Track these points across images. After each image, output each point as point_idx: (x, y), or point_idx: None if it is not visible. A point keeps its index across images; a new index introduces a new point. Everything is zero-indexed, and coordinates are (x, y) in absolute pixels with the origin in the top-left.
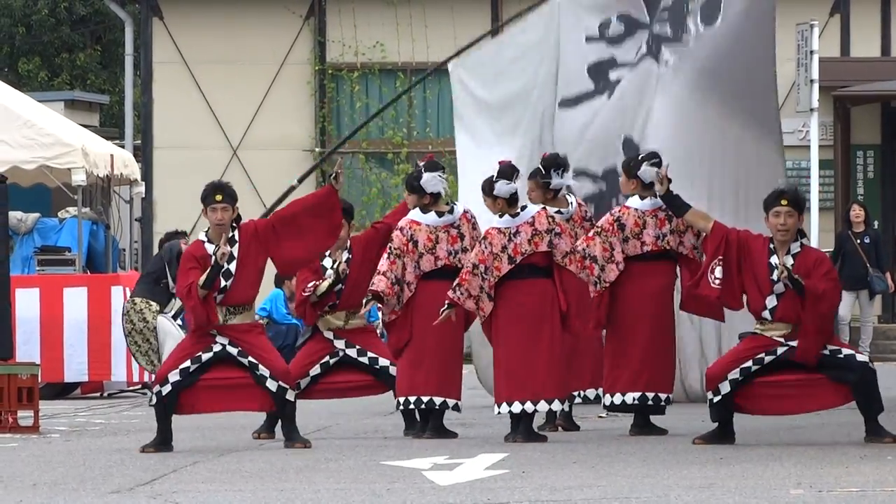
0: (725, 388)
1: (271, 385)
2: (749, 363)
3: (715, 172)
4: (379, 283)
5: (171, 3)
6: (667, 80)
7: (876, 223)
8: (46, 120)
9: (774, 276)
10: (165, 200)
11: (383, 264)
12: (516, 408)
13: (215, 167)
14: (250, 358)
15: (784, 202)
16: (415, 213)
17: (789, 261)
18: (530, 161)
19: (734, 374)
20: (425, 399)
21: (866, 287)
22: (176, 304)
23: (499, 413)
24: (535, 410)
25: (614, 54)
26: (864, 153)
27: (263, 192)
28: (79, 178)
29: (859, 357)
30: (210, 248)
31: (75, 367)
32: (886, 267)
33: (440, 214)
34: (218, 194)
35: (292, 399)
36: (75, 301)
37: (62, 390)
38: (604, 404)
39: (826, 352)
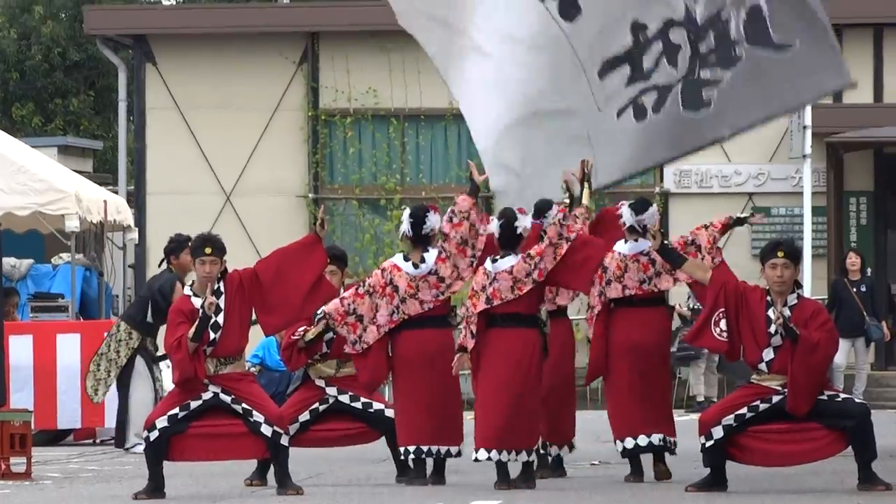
0: (718, 433)
1: (266, 430)
2: (744, 409)
3: None
4: (330, 304)
5: (164, 49)
6: None
7: (869, 270)
8: (40, 166)
9: (772, 329)
10: (159, 246)
11: (348, 294)
12: (494, 455)
13: (208, 213)
14: (244, 405)
15: (780, 254)
16: (398, 259)
17: (786, 312)
18: None
19: (728, 419)
20: (424, 448)
21: (863, 335)
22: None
23: (476, 459)
24: (513, 460)
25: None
26: (856, 200)
27: (256, 238)
28: (72, 225)
29: (857, 400)
30: (197, 301)
31: (68, 414)
32: (882, 315)
33: (415, 265)
34: (207, 247)
35: (286, 444)
36: (68, 347)
37: (55, 437)
38: (619, 450)
39: (823, 397)
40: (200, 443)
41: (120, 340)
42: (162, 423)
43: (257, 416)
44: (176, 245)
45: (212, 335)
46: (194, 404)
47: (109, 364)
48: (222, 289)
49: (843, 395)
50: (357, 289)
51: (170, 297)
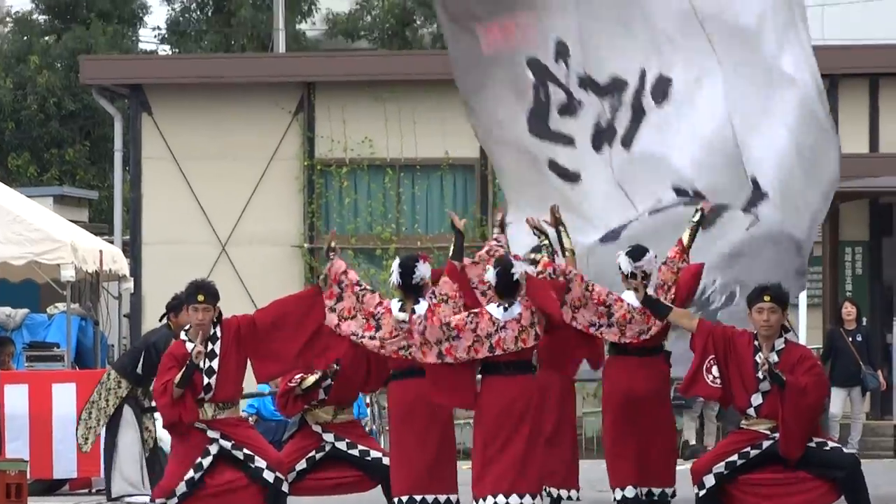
0: (710, 481)
1: (268, 476)
2: (734, 457)
3: None
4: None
5: (160, 98)
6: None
7: (864, 320)
8: (35, 215)
9: (760, 374)
10: (154, 296)
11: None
12: (501, 500)
13: (204, 263)
14: (245, 450)
15: (767, 298)
16: (394, 304)
17: (774, 357)
18: None
19: (719, 467)
20: (418, 498)
21: (859, 384)
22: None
23: None
24: None
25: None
26: (852, 249)
27: (251, 287)
28: (68, 274)
29: (847, 450)
30: (191, 346)
31: (64, 464)
32: (878, 364)
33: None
34: (200, 294)
35: (286, 491)
36: (64, 397)
37: (51, 486)
38: (614, 499)
39: (812, 444)
40: (210, 501)
41: (109, 389)
42: (181, 489)
43: (259, 463)
44: (177, 303)
45: (206, 380)
46: (206, 461)
47: (99, 413)
48: (218, 334)
49: (831, 444)
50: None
51: (162, 351)
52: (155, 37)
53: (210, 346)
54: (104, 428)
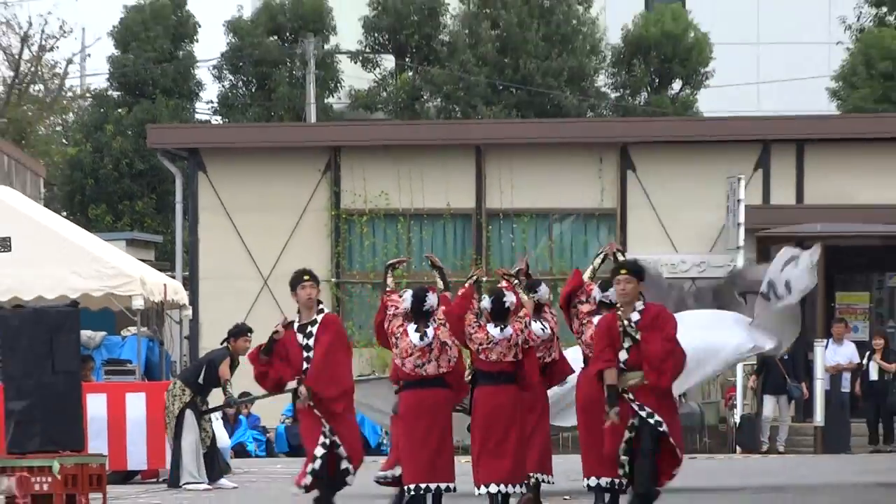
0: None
1: (343, 464)
2: (626, 434)
3: None
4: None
5: (213, 160)
6: None
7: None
8: (111, 255)
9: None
10: (208, 321)
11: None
12: (502, 489)
13: (249, 295)
14: (335, 438)
15: (623, 271)
16: (411, 329)
17: (635, 316)
18: None
19: (622, 449)
20: (423, 486)
21: (785, 393)
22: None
23: (488, 493)
24: (506, 493)
25: None
26: None
27: (289, 315)
28: (138, 304)
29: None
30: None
31: (136, 457)
32: (801, 377)
33: (421, 338)
34: (305, 275)
35: (349, 483)
36: (135, 404)
37: (125, 476)
38: (586, 485)
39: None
40: None
41: (175, 395)
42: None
43: (340, 451)
44: (238, 331)
45: (305, 359)
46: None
47: (169, 416)
48: (318, 319)
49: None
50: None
51: (218, 367)
52: (209, 109)
53: (308, 329)
54: (172, 427)
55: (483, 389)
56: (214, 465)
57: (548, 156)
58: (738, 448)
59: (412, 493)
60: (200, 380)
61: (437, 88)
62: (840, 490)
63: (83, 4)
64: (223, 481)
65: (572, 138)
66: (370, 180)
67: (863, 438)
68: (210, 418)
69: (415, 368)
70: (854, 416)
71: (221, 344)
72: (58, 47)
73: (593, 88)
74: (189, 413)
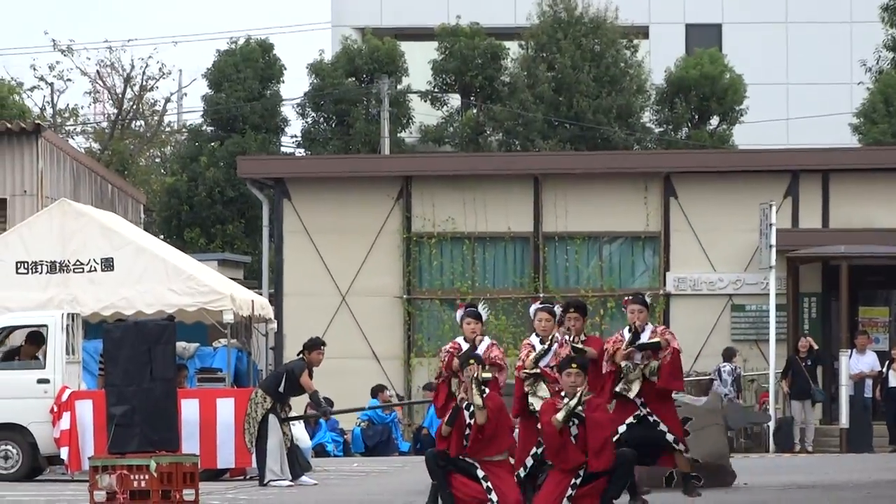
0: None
1: None
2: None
3: None
4: None
5: (297, 188)
6: None
7: (815, 349)
8: (204, 274)
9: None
10: (292, 334)
11: None
12: None
13: (329, 310)
14: (488, 484)
15: (572, 310)
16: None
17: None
18: None
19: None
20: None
21: (809, 397)
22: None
23: None
24: None
25: None
26: (808, 299)
27: (364, 327)
28: (228, 318)
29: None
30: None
31: (225, 457)
32: (825, 384)
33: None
34: (469, 309)
35: None
36: (225, 408)
37: (216, 474)
38: None
39: None
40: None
41: (257, 403)
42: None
43: (492, 496)
44: (312, 344)
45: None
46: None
47: (253, 423)
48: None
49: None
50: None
51: (299, 378)
52: (293, 142)
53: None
54: (256, 430)
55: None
56: (295, 464)
57: (598, 184)
58: (773, 447)
59: None
60: (281, 389)
61: (499, 124)
62: (864, 486)
63: (181, 49)
64: (304, 478)
65: (620, 169)
66: (438, 206)
67: (884, 439)
68: (289, 423)
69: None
70: (875, 419)
71: (297, 356)
72: (157, 87)
73: (639, 124)
74: (272, 418)
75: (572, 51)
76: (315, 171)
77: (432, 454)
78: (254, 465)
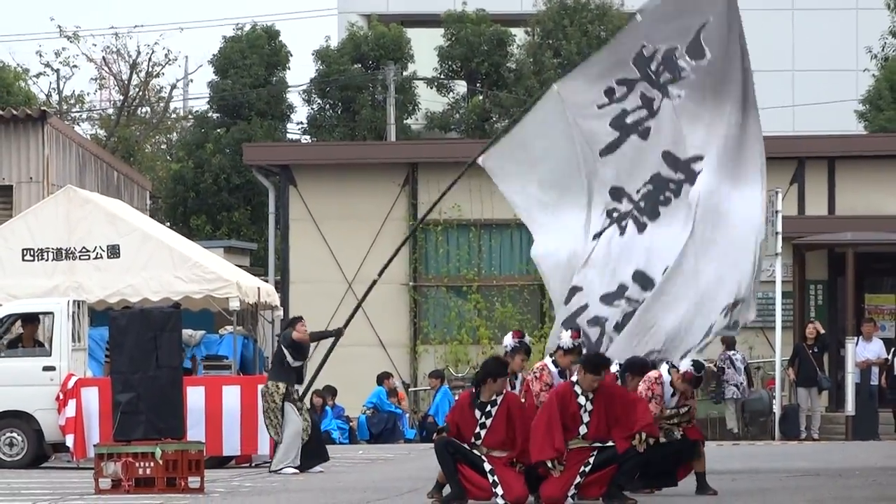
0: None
1: (499, 501)
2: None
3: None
4: None
5: (302, 175)
6: (684, 104)
7: (822, 329)
8: (210, 261)
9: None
10: None
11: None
12: None
13: (335, 297)
14: (494, 478)
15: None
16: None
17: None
18: (587, 218)
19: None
20: None
21: (816, 385)
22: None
23: None
24: None
25: (624, 107)
26: (815, 286)
27: (370, 314)
28: (234, 305)
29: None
30: None
31: (231, 444)
32: (832, 370)
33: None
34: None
35: None
36: (231, 395)
37: (221, 461)
38: None
39: None
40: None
41: (271, 393)
42: None
43: (498, 490)
44: (289, 323)
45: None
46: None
47: (274, 412)
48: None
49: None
50: None
51: (291, 337)
52: (299, 129)
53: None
54: (280, 420)
55: None
56: (321, 451)
57: None
58: (779, 435)
59: None
60: (289, 360)
61: (505, 111)
62: (870, 473)
63: (187, 35)
64: (316, 467)
65: None
66: None
67: (890, 426)
68: (305, 408)
69: None
70: (882, 407)
71: (281, 333)
72: (163, 74)
73: None
74: (288, 406)
75: (578, 37)
76: (321, 158)
77: (442, 442)
78: (260, 452)
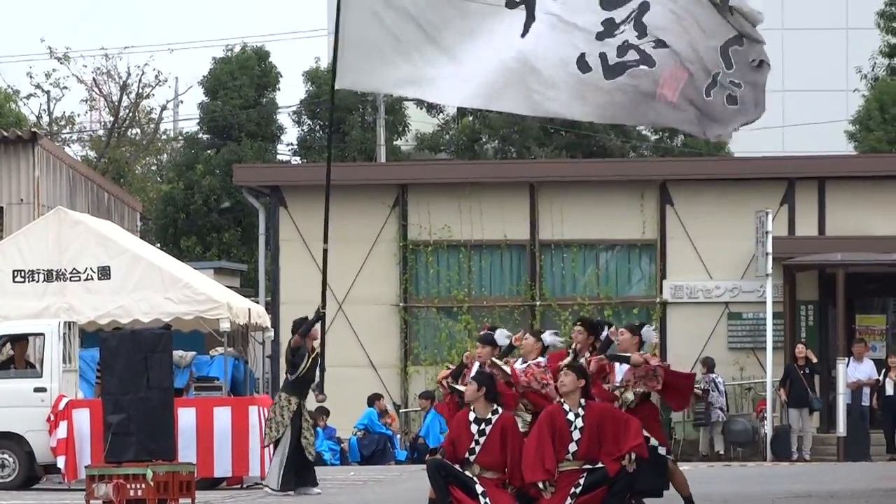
0: None
1: None
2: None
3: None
4: None
5: (293, 196)
6: None
7: (815, 359)
8: (200, 283)
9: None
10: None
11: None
12: None
13: (326, 318)
14: (486, 500)
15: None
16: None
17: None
18: None
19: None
20: None
21: (807, 405)
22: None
23: None
24: None
25: None
26: (805, 307)
27: (361, 336)
28: (225, 326)
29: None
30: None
31: (222, 465)
32: (823, 391)
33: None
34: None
35: None
36: (222, 417)
37: (212, 483)
38: None
39: None
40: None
41: (282, 406)
42: None
43: None
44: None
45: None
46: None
47: (277, 427)
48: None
49: None
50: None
51: (293, 344)
52: (289, 150)
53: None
54: (280, 433)
55: None
56: (310, 475)
57: (595, 192)
58: (770, 456)
59: None
60: (303, 367)
61: (495, 132)
62: (861, 495)
63: (176, 56)
64: (313, 488)
65: (616, 176)
66: (434, 214)
67: (881, 448)
68: (311, 426)
69: None
70: (873, 428)
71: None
72: (153, 95)
73: (635, 131)
74: (289, 432)
75: None
76: (311, 180)
77: (434, 463)
78: (251, 473)
